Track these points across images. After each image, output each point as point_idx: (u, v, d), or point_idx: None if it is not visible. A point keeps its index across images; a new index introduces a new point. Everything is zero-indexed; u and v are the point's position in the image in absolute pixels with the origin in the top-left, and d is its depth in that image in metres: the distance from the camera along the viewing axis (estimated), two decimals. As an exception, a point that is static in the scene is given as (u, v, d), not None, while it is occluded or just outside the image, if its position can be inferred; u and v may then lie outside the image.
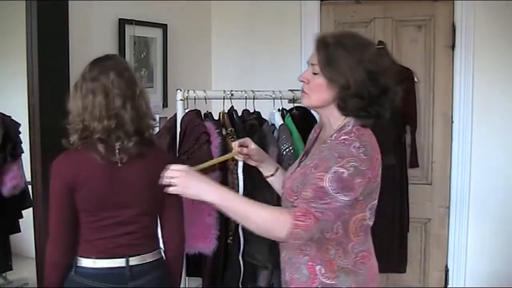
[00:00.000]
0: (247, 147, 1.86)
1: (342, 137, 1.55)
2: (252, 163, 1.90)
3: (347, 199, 1.49)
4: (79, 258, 1.77)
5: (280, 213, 1.53)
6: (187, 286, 2.36)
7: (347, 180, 1.48)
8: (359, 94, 1.55)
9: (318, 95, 1.62)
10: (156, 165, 1.76)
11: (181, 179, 1.57)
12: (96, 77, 1.75)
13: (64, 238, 1.76)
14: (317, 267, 1.60)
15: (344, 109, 1.60)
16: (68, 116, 1.79)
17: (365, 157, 1.51)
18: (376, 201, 1.63)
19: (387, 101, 1.59)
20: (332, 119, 1.64)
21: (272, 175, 1.90)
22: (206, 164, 1.79)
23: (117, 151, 1.75)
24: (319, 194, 1.48)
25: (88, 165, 1.74)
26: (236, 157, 1.90)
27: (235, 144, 1.88)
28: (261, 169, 1.91)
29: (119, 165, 1.75)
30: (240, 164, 1.98)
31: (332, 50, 1.58)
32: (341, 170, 1.48)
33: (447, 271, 3.45)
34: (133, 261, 1.79)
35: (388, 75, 1.59)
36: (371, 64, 1.55)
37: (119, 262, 1.77)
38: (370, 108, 1.57)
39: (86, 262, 1.76)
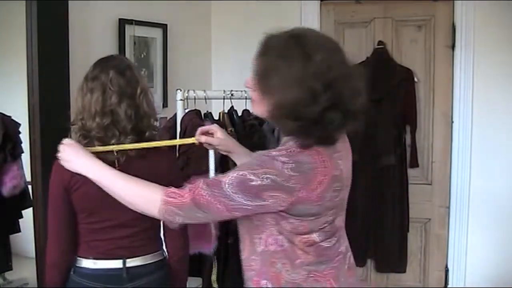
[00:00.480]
0: (212, 135, 1.77)
1: (274, 152, 1.38)
2: (222, 152, 1.83)
3: (250, 203, 1.36)
4: (78, 258, 1.77)
5: (152, 190, 1.48)
6: (187, 286, 2.36)
7: (252, 187, 1.34)
8: (295, 116, 1.33)
9: (259, 106, 1.45)
10: (157, 166, 1.76)
11: (62, 153, 1.64)
12: (96, 76, 1.73)
13: (63, 238, 1.75)
14: (263, 281, 1.47)
15: (280, 128, 1.43)
16: (71, 116, 1.79)
17: (293, 174, 1.33)
18: (331, 225, 1.46)
19: (337, 119, 1.34)
20: (280, 133, 1.50)
21: None
22: (144, 145, 1.74)
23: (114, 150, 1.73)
24: (214, 184, 1.40)
25: None
26: (206, 146, 1.84)
27: (198, 131, 1.81)
28: (233, 158, 1.82)
29: (116, 166, 1.70)
30: (211, 152, 1.92)
31: (269, 59, 1.37)
32: (251, 177, 1.34)
33: (447, 271, 3.45)
34: (132, 262, 1.77)
35: (340, 88, 1.33)
36: (314, 80, 1.31)
37: (116, 264, 1.76)
38: (311, 130, 1.35)
39: (85, 263, 1.75)
